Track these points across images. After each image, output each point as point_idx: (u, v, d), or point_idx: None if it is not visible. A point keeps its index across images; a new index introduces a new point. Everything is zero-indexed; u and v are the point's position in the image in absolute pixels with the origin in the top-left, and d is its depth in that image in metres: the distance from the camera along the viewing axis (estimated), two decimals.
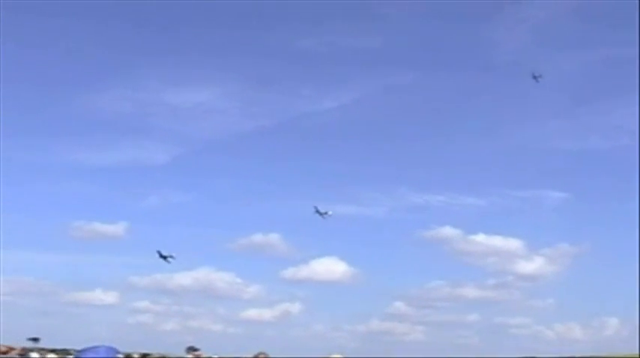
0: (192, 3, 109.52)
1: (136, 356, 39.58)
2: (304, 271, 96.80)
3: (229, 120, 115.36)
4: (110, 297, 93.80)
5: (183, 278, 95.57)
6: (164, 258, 55.94)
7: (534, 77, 68.76)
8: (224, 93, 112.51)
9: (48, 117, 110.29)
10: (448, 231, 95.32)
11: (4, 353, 19.60)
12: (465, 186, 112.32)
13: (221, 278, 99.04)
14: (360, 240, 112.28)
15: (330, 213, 62.85)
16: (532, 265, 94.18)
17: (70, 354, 30.22)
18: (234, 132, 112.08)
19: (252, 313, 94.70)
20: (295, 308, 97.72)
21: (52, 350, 36.40)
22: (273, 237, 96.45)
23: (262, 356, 11.64)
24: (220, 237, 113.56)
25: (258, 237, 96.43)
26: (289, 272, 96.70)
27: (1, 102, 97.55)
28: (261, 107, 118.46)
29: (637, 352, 57.45)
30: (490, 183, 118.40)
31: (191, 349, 17.43)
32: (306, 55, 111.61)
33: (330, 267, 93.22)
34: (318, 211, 62.05)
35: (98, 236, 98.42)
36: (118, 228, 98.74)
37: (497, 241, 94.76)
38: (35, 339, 34.24)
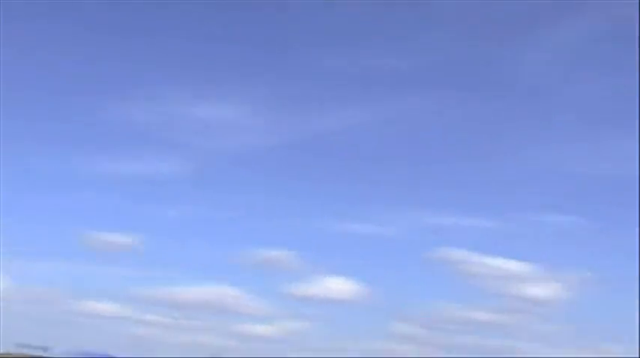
0: (223, 19, 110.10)
1: None
2: (313, 288, 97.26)
3: (252, 136, 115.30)
4: (117, 308, 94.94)
5: (192, 293, 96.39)
6: None
7: None
8: (250, 110, 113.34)
9: (69, 127, 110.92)
10: (458, 252, 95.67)
11: None
12: (477, 208, 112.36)
13: (228, 293, 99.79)
14: (372, 259, 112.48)
15: None
16: (543, 289, 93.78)
17: None
18: (255, 149, 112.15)
19: (257, 329, 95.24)
20: (301, 325, 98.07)
21: None
22: (284, 253, 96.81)
23: None
24: (231, 252, 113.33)
25: (268, 253, 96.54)
26: (297, 289, 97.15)
27: (20, 108, 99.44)
28: (284, 125, 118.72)
29: None
30: (504, 205, 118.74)
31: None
32: (334, 75, 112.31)
33: (339, 286, 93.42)
34: None
35: (110, 246, 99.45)
36: (130, 240, 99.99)
37: (509, 264, 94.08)
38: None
